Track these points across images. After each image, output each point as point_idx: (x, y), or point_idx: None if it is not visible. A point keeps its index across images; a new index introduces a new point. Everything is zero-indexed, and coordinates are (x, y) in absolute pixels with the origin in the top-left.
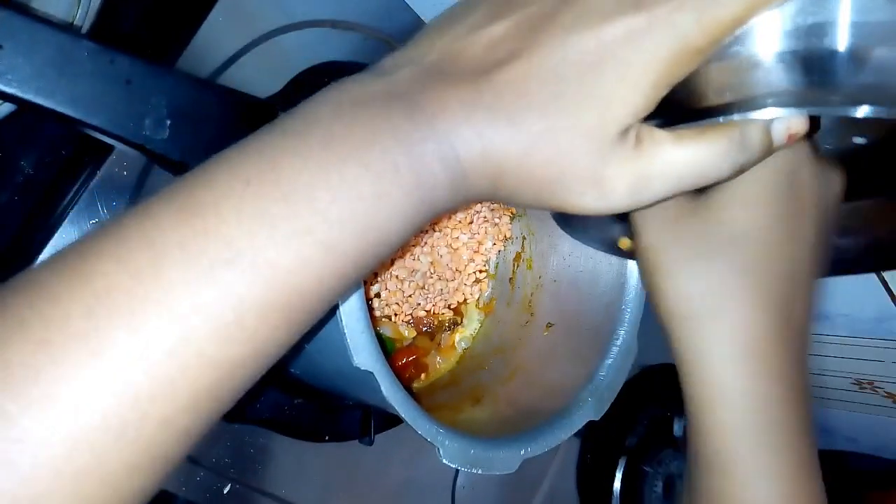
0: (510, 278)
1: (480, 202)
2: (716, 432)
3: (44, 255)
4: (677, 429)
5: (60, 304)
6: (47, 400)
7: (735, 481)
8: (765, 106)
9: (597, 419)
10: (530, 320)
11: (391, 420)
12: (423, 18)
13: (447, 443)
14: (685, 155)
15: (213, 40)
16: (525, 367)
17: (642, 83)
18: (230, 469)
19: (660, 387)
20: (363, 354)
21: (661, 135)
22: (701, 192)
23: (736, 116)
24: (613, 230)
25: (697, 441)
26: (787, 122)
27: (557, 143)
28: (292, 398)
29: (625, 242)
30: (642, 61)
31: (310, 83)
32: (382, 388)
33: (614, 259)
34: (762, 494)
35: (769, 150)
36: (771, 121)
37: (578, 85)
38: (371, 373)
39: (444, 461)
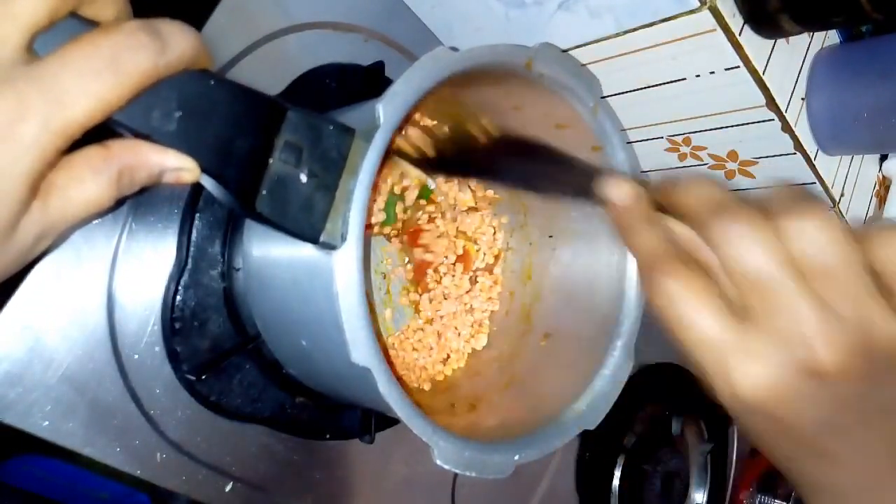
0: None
1: None
2: None
3: (43, 255)
4: (676, 428)
5: None
6: None
7: None
8: None
9: (591, 429)
10: (528, 330)
11: (391, 419)
12: (422, 20)
13: (442, 443)
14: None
15: (215, 42)
16: (521, 375)
17: (17, 180)
18: (231, 467)
19: (659, 386)
20: (361, 350)
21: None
22: None
23: None
24: None
25: None
26: None
27: None
28: (293, 397)
29: None
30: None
31: (311, 85)
32: (379, 385)
33: (613, 271)
34: None
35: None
36: None
37: None
38: (368, 369)
39: (438, 462)
